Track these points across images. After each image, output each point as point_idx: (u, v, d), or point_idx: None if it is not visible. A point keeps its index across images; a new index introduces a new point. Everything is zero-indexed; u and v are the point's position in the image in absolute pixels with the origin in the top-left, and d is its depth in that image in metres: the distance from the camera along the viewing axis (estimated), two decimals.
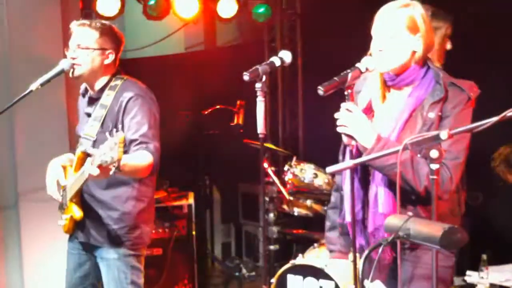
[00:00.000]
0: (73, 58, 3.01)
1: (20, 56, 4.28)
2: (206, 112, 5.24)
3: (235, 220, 5.92)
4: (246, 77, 2.59)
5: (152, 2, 5.10)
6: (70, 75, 3.04)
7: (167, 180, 4.82)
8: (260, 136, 2.65)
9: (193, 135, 5.48)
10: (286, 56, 2.79)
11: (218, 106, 5.15)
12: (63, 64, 3.02)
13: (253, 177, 4.79)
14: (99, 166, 2.48)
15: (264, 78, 2.63)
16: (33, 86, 3.00)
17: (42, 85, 3.01)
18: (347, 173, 2.42)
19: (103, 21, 3.13)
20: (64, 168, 3.13)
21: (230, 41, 6.21)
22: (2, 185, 4.40)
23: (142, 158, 2.86)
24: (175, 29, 5.93)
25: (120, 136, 2.42)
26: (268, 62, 2.71)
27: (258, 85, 2.62)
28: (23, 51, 4.29)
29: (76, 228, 3.12)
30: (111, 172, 2.49)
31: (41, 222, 4.24)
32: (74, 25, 3.06)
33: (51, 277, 4.26)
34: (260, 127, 2.63)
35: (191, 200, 4.76)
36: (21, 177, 4.34)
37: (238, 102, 4.74)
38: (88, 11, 4.80)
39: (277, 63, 2.74)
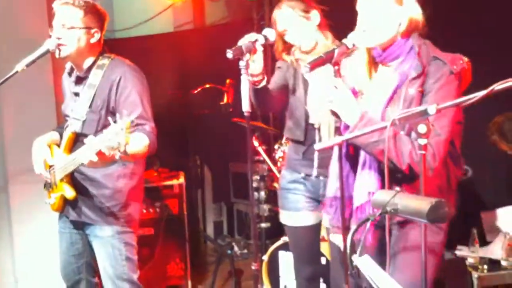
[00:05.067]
0: (58, 38, 2.97)
1: (4, 37, 4.23)
2: (195, 92, 5.22)
3: (226, 199, 5.93)
4: (229, 54, 2.61)
5: None
6: (57, 55, 3.01)
7: (157, 161, 4.81)
8: (246, 114, 2.65)
9: (183, 115, 5.46)
10: (269, 33, 2.80)
11: (207, 85, 5.12)
12: (48, 44, 2.99)
13: (244, 156, 4.79)
14: (100, 153, 2.49)
15: (248, 56, 2.63)
16: (19, 66, 2.98)
17: (27, 65, 2.98)
18: (335, 149, 2.42)
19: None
20: (50, 147, 3.13)
21: (219, 19, 6.17)
22: None
23: (139, 141, 2.87)
24: (164, 8, 5.89)
25: (126, 122, 2.43)
26: (251, 39, 2.72)
27: (241, 63, 2.63)
28: (7, 31, 4.24)
29: (66, 206, 3.12)
30: (116, 157, 2.50)
31: (32, 203, 4.23)
32: (57, 4, 3.02)
33: (42, 258, 4.26)
34: (245, 105, 2.64)
35: (181, 180, 4.76)
36: (10, 159, 4.31)
37: (228, 81, 4.72)
38: None
39: (261, 40, 2.75)
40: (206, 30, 6.13)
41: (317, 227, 3.36)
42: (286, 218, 3.36)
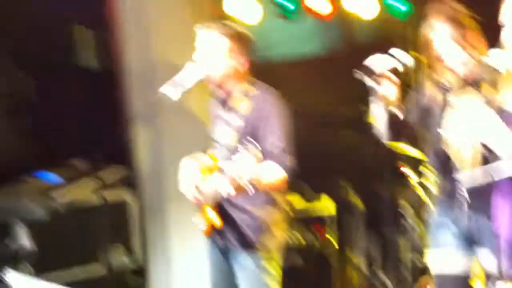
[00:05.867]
0: (205, 64, 2.99)
1: (161, 60, 4.38)
2: (341, 112, 5.09)
3: (378, 228, 5.67)
4: (358, 76, 2.47)
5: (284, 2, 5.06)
6: (203, 80, 3.03)
7: (304, 184, 4.72)
8: (383, 142, 2.50)
9: (329, 135, 5.33)
10: (405, 58, 2.59)
11: (353, 105, 4.97)
12: (196, 72, 2.99)
13: (396, 181, 4.57)
14: (234, 182, 2.49)
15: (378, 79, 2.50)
16: (174, 94, 2.95)
17: (182, 93, 2.98)
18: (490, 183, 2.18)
19: (232, 24, 3.11)
20: (202, 170, 3.16)
21: (369, 39, 6.01)
22: (149, 186, 4.53)
23: (275, 172, 2.84)
24: (315, 28, 5.84)
25: (256, 153, 2.43)
26: (384, 63, 2.55)
27: (372, 86, 2.47)
28: (164, 55, 4.37)
29: (214, 231, 3.11)
30: (246, 187, 2.49)
31: (187, 223, 4.31)
32: (203, 29, 3.03)
33: (197, 277, 4.28)
34: (379, 132, 2.48)
35: (329, 206, 4.61)
36: (166, 178, 4.43)
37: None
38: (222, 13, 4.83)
39: (395, 65, 2.57)
40: (355, 50, 5.99)
41: (466, 278, 3.00)
42: (432, 258, 3.04)
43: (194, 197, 3.12)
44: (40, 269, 3.65)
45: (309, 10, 5.30)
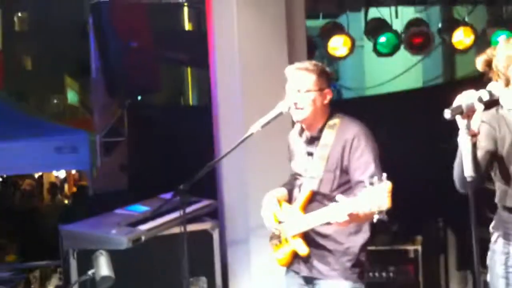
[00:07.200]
0: (295, 103, 3.08)
1: (251, 97, 4.54)
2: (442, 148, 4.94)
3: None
4: (447, 115, 2.41)
5: (382, 39, 5.05)
6: (294, 119, 3.13)
7: (395, 223, 4.63)
8: (468, 179, 2.43)
9: (424, 171, 5.19)
10: (495, 89, 2.51)
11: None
12: (281, 107, 3.11)
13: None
14: (352, 214, 2.60)
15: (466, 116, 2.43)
16: (254, 128, 3.14)
17: (262, 127, 3.13)
18: None
19: (315, 62, 3.19)
20: (279, 201, 3.22)
21: (470, 73, 5.82)
22: (235, 220, 4.67)
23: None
24: (413, 64, 5.79)
25: (388, 185, 2.50)
26: (473, 98, 2.46)
27: (461, 123, 2.42)
28: (254, 92, 4.55)
29: (295, 262, 3.17)
30: (374, 220, 2.57)
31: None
32: (291, 70, 3.14)
33: None
34: (467, 170, 2.43)
35: (418, 245, 4.49)
36: (252, 212, 4.51)
37: None
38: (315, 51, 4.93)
39: (485, 97, 2.48)
40: (456, 84, 5.82)
41: None
42: None
43: (272, 227, 3.18)
44: None
45: (412, 44, 5.29)
